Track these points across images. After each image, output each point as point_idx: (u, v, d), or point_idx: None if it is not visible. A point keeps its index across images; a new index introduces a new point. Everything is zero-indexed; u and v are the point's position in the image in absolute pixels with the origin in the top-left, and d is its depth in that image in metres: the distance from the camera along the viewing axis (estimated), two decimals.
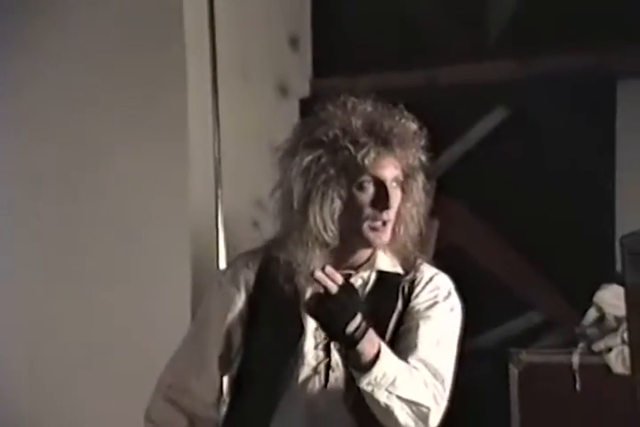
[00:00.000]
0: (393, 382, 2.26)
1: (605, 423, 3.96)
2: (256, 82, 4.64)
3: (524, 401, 4.18)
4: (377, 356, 2.25)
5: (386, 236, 2.40)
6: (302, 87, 4.87)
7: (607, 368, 4.04)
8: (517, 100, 4.66)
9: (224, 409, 2.52)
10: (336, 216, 2.38)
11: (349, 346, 2.24)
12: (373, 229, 2.39)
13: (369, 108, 2.41)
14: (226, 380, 2.53)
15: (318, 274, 2.21)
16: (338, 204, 2.38)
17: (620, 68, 4.47)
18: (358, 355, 2.24)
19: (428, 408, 2.31)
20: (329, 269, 2.24)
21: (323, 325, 2.26)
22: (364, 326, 2.23)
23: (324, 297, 2.21)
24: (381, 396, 2.26)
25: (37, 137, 4.46)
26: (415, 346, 2.37)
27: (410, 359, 2.34)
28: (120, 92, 4.28)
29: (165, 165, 4.22)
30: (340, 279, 2.22)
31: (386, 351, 2.27)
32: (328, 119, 2.40)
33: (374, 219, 2.38)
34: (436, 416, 2.34)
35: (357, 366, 2.25)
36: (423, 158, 2.43)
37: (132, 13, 4.27)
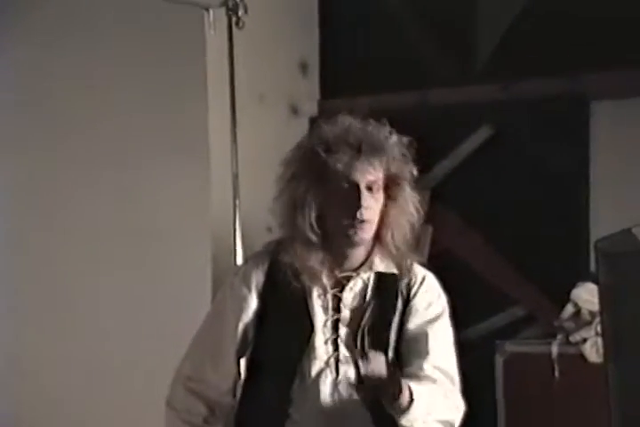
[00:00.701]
0: (427, 413, 2.43)
1: (580, 407, 4.08)
2: (270, 103, 4.82)
3: (508, 387, 4.33)
4: (411, 398, 2.38)
5: (363, 233, 2.50)
6: (311, 107, 5.06)
7: (583, 357, 4.16)
8: (500, 120, 4.78)
9: (239, 394, 2.62)
10: (314, 218, 2.50)
11: (391, 400, 2.38)
12: (352, 226, 2.49)
13: (346, 122, 2.52)
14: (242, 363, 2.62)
15: (370, 369, 2.31)
16: (317, 207, 2.50)
17: (591, 91, 4.59)
18: (398, 404, 2.38)
19: (454, 419, 2.52)
20: (372, 353, 2.35)
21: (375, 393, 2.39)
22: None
23: (379, 381, 2.32)
24: (419, 426, 2.44)
25: (72, 151, 4.58)
26: (427, 353, 2.52)
27: (425, 365, 2.51)
28: (149, 114, 4.44)
29: (190, 179, 4.38)
30: (384, 362, 2.33)
31: (418, 393, 2.39)
32: (314, 133, 2.55)
33: (351, 217, 2.48)
34: (459, 419, 2.54)
35: (397, 410, 2.39)
36: (411, 169, 2.54)
37: (158, 42, 4.41)
